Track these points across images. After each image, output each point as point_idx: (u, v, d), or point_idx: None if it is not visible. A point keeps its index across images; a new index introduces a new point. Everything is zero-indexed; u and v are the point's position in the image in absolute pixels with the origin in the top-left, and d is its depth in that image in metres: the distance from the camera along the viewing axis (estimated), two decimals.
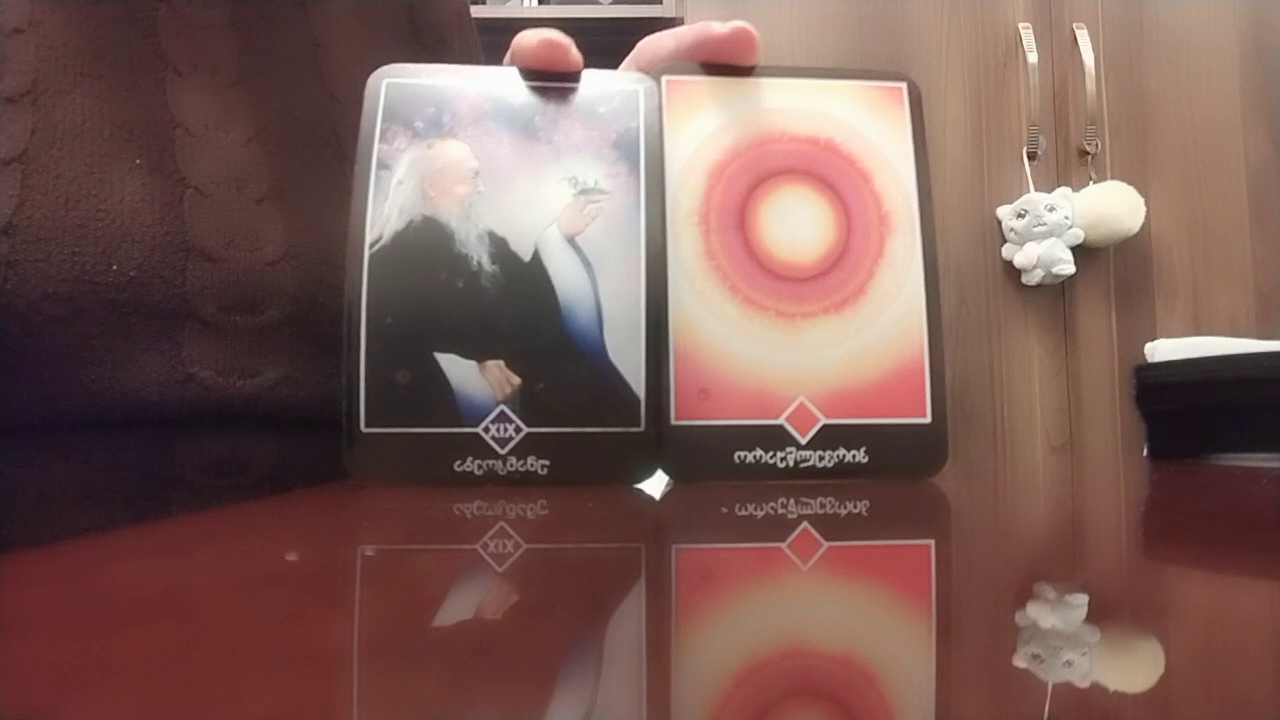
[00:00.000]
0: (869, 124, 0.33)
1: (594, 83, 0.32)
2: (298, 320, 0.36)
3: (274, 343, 0.36)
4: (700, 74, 0.33)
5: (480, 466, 0.29)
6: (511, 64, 0.32)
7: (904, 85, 0.34)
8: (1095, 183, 1.41)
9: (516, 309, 0.30)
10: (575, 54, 0.32)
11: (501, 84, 0.32)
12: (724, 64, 0.33)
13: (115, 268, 0.33)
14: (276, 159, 0.37)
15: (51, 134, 0.32)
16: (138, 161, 0.34)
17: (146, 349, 0.33)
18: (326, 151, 0.39)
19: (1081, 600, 0.14)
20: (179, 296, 0.34)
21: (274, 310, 0.36)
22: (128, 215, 0.33)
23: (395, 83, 0.31)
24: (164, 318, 0.34)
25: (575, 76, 0.32)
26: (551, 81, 0.32)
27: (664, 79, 0.33)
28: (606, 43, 0.34)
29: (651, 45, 0.36)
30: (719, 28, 0.33)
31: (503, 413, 0.29)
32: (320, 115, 0.39)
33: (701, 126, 0.32)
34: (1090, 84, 1.40)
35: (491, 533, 0.21)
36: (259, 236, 0.36)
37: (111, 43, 0.34)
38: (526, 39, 0.32)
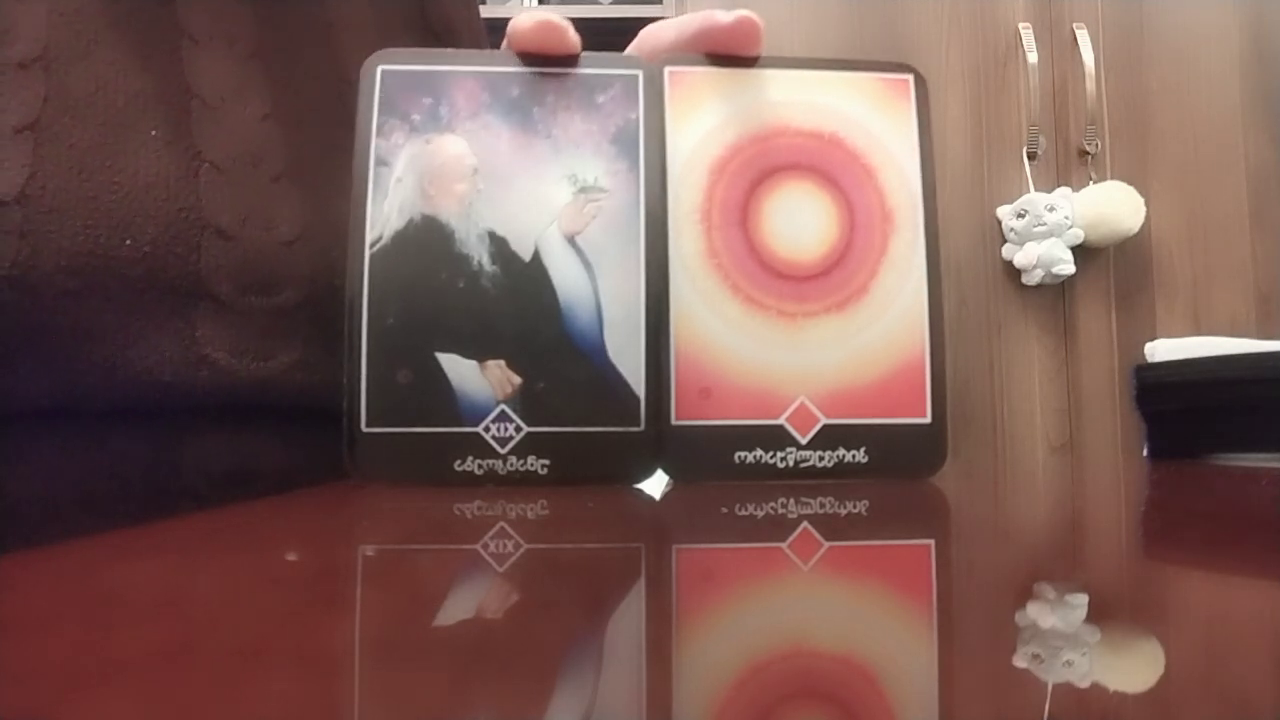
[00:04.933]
0: (874, 118, 0.33)
1: (592, 67, 0.32)
2: (313, 303, 0.36)
3: (289, 325, 0.35)
4: (703, 65, 0.33)
5: (480, 466, 0.29)
6: (508, 48, 0.32)
7: (910, 77, 0.33)
8: (1095, 183, 1.40)
9: (517, 309, 0.30)
10: (573, 36, 0.31)
11: (498, 70, 0.31)
12: (727, 55, 0.33)
13: (129, 242, 0.32)
14: (293, 137, 0.37)
15: (64, 102, 0.32)
16: (153, 133, 0.33)
17: (160, 327, 0.33)
18: (340, 132, 0.38)
19: (1081, 600, 0.14)
20: (193, 274, 0.33)
21: (289, 292, 0.35)
22: (142, 189, 0.32)
23: (390, 70, 0.31)
24: (178, 295, 0.33)
25: (573, 60, 0.32)
26: (549, 65, 0.32)
27: (666, 70, 0.32)
28: (606, 43, 0.34)
29: (653, 35, 0.35)
30: (723, 17, 0.32)
31: (503, 412, 0.29)
32: (333, 96, 0.39)
33: (704, 120, 0.32)
34: (1090, 84, 1.40)
35: (492, 533, 0.21)
36: (274, 215, 0.35)
37: (126, 8, 0.33)
38: (523, 22, 0.31)
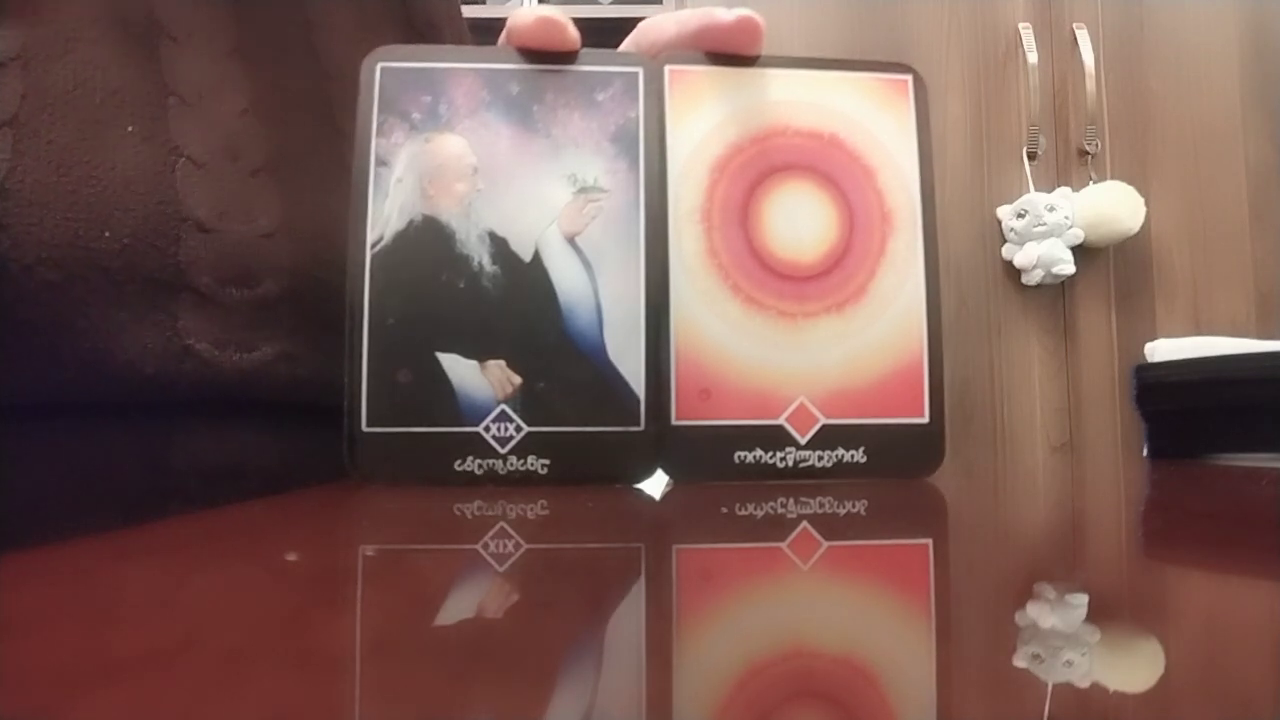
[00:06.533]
0: (873, 118, 0.33)
1: (592, 64, 0.32)
2: (295, 295, 0.36)
3: (271, 317, 0.36)
4: (704, 63, 0.33)
5: (480, 466, 0.29)
6: (507, 44, 0.32)
7: (909, 77, 0.33)
8: (1095, 183, 1.40)
9: (517, 309, 0.30)
10: (572, 32, 0.31)
11: (498, 67, 0.31)
12: (728, 54, 0.33)
13: (108, 234, 0.32)
14: (272, 131, 0.37)
15: (42, 99, 0.32)
16: (130, 129, 0.33)
17: (142, 319, 0.33)
18: (322, 127, 0.38)
19: (1081, 600, 0.14)
20: (173, 266, 0.33)
21: (270, 284, 0.35)
22: (120, 183, 0.33)
23: (390, 67, 0.31)
24: (159, 288, 0.33)
25: (572, 56, 0.32)
26: (548, 62, 0.32)
27: (667, 68, 0.32)
28: (606, 43, 0.34)
29: (653, 29, 0.35)
30: (724, 16, 0.32)
31: (503, 412, 0.29)
32: (315, 90, 0.39)
33: (704, 119, 0.32)
34: (1090, 84, 1.40)
35: (492, 533, 0.21)
36: (253, 208, 0.35)
37: (104, 7, 0.34)
38: (522, 18, 0.31)
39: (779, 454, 0.30)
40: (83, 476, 0.34)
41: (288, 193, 0.37)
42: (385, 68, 0.31)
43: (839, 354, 0.31)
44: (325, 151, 0.38)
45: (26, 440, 0.33)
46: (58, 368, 0.32)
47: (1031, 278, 1.39)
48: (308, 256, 0.36)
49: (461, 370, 0.29)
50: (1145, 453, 0.47)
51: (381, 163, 0.30)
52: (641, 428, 0.30)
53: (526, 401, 0.29)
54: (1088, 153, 1.42)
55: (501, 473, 0.29)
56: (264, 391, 0.36)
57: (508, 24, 0.32)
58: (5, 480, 0.33)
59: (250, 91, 0.37)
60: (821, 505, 0.25)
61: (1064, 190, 1.40)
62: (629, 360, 0.30)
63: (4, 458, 0.33)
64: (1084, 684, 0.10)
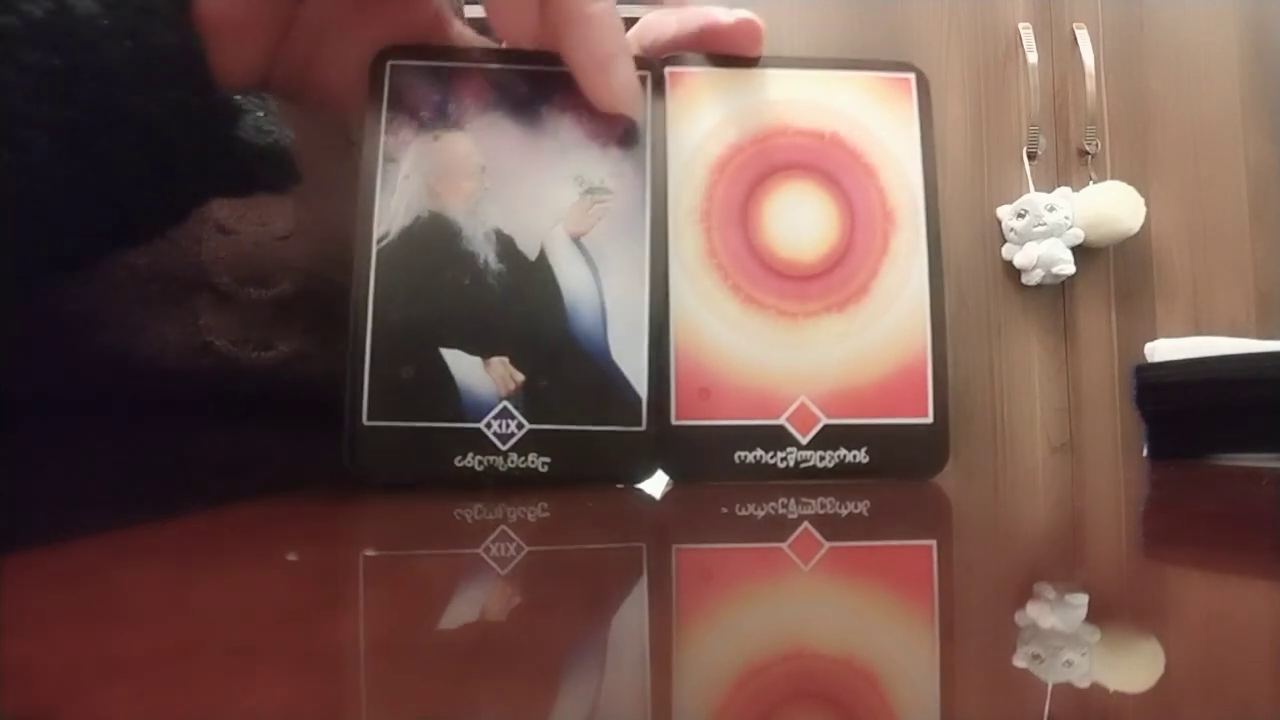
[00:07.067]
0: (875, 117, 0.33)
1: None
2: (309, 295, 0.37)
3: (287, 316, 0.37)
4: (703, 65, 0.33)
5: (481, 463, 0.29)
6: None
7: (912, 76, 0.33)
8: (1095, 183, 1.40)
9: (522, 307, 0.30)
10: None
11: (507, 68, 0.31)
12: (728, 55, 0.33)
13: None
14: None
15: None
16: None
17: (164, 316, 0.34)
18: (335, 135, 0.39)
19: (1081, 600, 0.14)
20: (195, 265, 0.35)
21: (286, 284, 0.37)
22: None
23: (399, 65, 0.31)
24: (181, 285, 0.35)
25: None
26: (556, 64, 0.31)
27: (666, 70, 0.32)
28: None
29: (655, 25, 0.35)
30: (724, 17, 0.32)
31: (505, 409, 0.29)
32: None
33: (704, 120, 0.32)
34: (1090, 84, 1.40)
35: (493, 535, 0.21)
36: (269, 212, 0.37)
37: None
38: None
39: (780, 454, 0.30)
40: (98, 471, 0.34)
41: (300, 197, 0.38)
42: (395, 65, 0.31)
43: (841, 353, 0.31)
44: (335, 156, 0.39)
45: (47, 435, 0.34)
46: (82, 362, 0.33)
47: (1031, 278, 1.39)
48: (320, 258, 0.38)
49: (464, 366, 0.29)
50: (1145, 453, 0.47)
51: (389, 159, 0.30)
52: (643, 428, 0.30)
53: (528, 399, 0.29)
54: (1088, 153, 1.42)
55: (502, 470, 0.29)
56: (279, 388, 0.37)
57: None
58: (25, 474, 0.33)
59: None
60: (823, 506, 0.25)
61: (1064, 190, 1.40)
62: (632, 360, 0.30)
63: (25, 452, 0.33)
64: (1084, 684, 0.10)
